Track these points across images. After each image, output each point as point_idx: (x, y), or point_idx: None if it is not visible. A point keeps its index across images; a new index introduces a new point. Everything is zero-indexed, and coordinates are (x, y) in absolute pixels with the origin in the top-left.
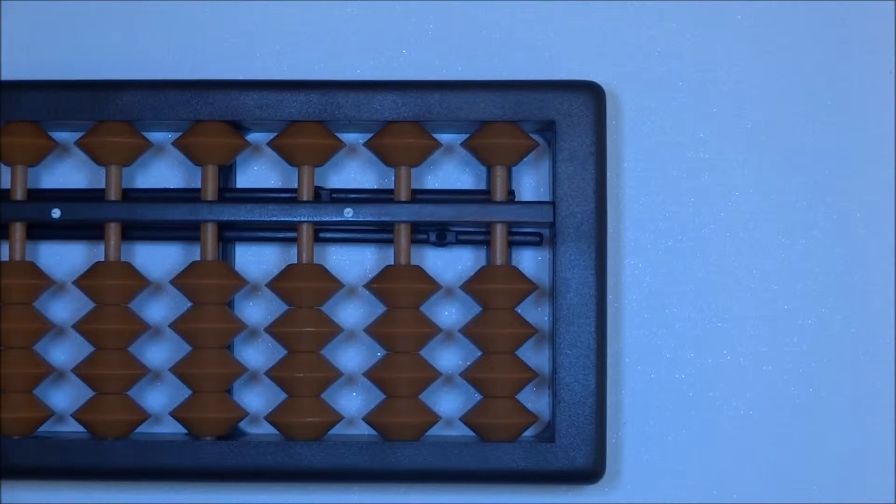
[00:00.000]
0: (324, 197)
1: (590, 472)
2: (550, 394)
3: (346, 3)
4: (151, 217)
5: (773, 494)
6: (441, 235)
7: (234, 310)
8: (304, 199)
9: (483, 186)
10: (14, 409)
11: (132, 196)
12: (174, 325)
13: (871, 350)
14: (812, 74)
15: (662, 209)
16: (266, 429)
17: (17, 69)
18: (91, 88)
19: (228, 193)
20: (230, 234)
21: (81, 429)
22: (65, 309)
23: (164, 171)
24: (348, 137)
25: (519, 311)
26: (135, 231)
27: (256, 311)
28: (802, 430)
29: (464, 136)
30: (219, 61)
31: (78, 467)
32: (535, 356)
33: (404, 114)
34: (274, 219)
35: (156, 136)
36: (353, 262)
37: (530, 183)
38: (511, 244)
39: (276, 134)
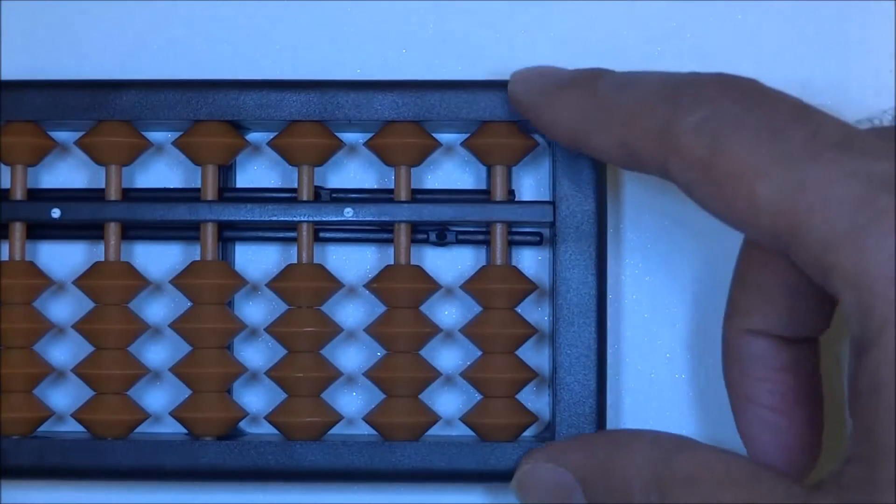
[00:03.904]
0: (324, 197)
1: None
2: (550, 394)
3: (346, 3)
4: (151, 217)
5: None
6: (441, 235)
7: (234, 310)
8: (304, 198)
9: (483, 186)
10: (14, 409)
11: (132, 196)
12: (174, 325)
13: None
14: (812, 74)
15: (662, 209)
16: (266, 429)
17: (17, 69)
18: (91, 88)
19: (228, 193)
20: (230, 233)
21: (81, 429)
22: (65, 309)
23: (164, 171)
24: (348, 137)
25: (519, 310)
26: (135, 231)
27: (256, 311)
28: None
29: (464, 136)
30: (219, 61)
31: (78, 467)
32: (535, 356)
33: (404, 114)
34: (274, 219)
35: (156, 136)
36: (353, 262)
37: (530, 183)
38: (511, 244)
39: (276, 134)
